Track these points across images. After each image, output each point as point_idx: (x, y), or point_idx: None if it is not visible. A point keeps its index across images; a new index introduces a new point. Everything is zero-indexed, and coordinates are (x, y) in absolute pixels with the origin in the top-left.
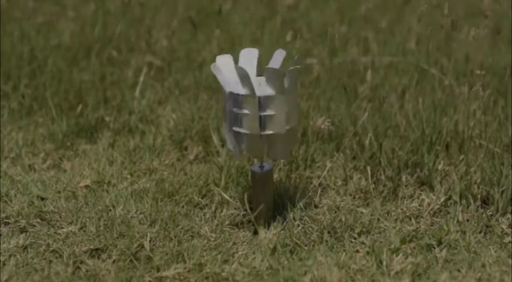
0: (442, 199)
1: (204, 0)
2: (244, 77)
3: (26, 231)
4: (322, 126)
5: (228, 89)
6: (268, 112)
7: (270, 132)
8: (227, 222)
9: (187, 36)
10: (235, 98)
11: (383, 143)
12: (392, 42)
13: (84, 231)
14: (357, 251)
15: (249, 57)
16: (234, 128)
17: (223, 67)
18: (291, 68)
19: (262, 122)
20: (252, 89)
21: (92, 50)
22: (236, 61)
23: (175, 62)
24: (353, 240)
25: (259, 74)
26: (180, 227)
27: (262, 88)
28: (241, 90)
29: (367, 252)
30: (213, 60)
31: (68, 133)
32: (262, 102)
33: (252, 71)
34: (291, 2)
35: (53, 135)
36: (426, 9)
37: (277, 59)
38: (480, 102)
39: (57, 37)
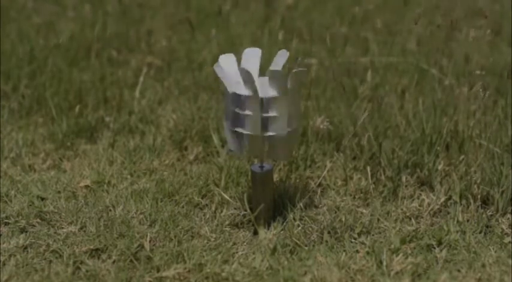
0: (442, 199)
1: (204, 1)
2: (247, 78)
3: (26, 231)
4: (322, 126)
5: (230, 89)
6: (271, 113)
7: (272, 133)
8: (227, 223)
9: (187, 37)
10: (238, 99)
11: (383, 143)
12: (393, 42)
13: (84, 231)
14: (357, 251)
15: (252, 57)
16: (235, 129)
17: (226, 67)
18: (295, 70)
19: (264, 124)
20: (255, 90)
21: (92, 50)
22: (239, 61)
23: (175, 62)
24: (353, 240)
25: (260, 74)
26: (180, 227)
27: (265, 89)
28: (244, 91)
29: (367, 252)
30: (213, 60)
31: (68, 133)
32: (265, 104)
33: (254, 71)
34: (290, 2)
35: (53, 135)
36: (425, 9)
37: (280, 59)
38: (480, 102)
39: (57, 37)
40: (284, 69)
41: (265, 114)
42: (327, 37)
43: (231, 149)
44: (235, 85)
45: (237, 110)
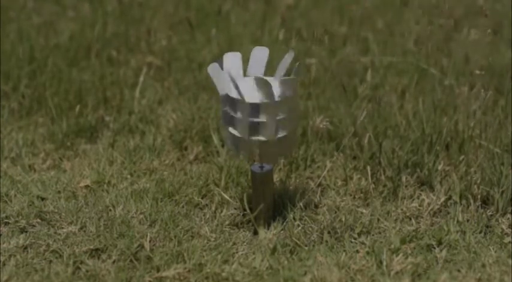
0: (442, 199)
1: (204, 1)
2: (232, 81)
3: (26, 231)
4: (322, 126)
5: (222, 91)
6: (258, 119)
7: (259, 138)
8: (227, 223)
9: (187, 37)
10: (229, 100)
11: (383, 143)
12: (392, 42)
13: (84, 231)
14: (357, 251)
15: (259, 57)
16: (229, 129)
17: (228, 64)
18: (285, 77)
19: (252, 128)
20: (241, 94)
21: (92, 50)
22: (244, 60)
23: (175, 62)
24: (353, 240)
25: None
26: (180, 227)
27: (253, 94)
28: (234, 93)
29: (367, 252)
30: (213, 60)
31: (68, 133)
32: (252, 109)
33: (260, 71)
34: (290, 2)
35: (53, 135)
36: (425, 9)
37: (286, 61)
38: (480, 102)
39: (57, 37)
40: (271, 77)
41: (252, 119)
42: (326, 37)
43: (228, 148)
44: (227, 85)
45: (227, 109)
